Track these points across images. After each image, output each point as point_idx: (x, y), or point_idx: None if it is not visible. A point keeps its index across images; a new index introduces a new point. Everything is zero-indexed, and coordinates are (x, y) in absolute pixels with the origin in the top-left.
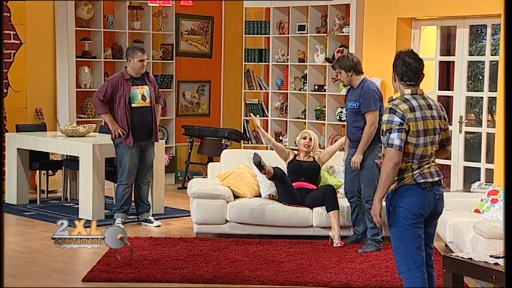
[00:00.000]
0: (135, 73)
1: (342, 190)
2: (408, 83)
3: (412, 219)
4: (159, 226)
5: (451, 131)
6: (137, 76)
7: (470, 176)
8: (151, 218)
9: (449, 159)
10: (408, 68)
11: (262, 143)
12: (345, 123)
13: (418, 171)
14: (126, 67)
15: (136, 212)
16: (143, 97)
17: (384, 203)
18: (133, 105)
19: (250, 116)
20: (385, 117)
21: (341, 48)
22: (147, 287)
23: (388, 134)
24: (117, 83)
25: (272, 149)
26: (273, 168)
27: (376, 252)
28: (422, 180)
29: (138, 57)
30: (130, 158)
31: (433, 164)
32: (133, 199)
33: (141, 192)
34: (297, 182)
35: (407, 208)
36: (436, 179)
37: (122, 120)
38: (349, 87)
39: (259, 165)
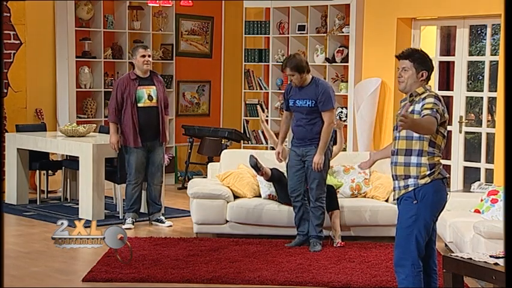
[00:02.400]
0: (141, 71)
1: (342, 190)
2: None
3: (435, 216)
4: (170, 226)
5: (450, 131)
6: (144, 76)
7: (470, 176)
8: (162, 218)
9: (450, 159)
10: (432, 68)
11: (262, 143)
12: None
13: (441, 166)
14: (133, 68)
15: (148, 211)
16: (150, 97)
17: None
18: (139, 105)
19: (257, 109)
20: (431, 99)
21: (341, 48)
22: (147, 287)
23: (434, 111)
24: (124, 85)
25: (273, 149)
26: (270, 169)
27: (376, 252)
28: (447, 176)
29: (139, 53)
30: (137, 157)
31: None
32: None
33: (153, 193)
34: None
35: (436, 203)
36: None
37: (128, 120)
38: (290, 85)
39: (256, 167)
